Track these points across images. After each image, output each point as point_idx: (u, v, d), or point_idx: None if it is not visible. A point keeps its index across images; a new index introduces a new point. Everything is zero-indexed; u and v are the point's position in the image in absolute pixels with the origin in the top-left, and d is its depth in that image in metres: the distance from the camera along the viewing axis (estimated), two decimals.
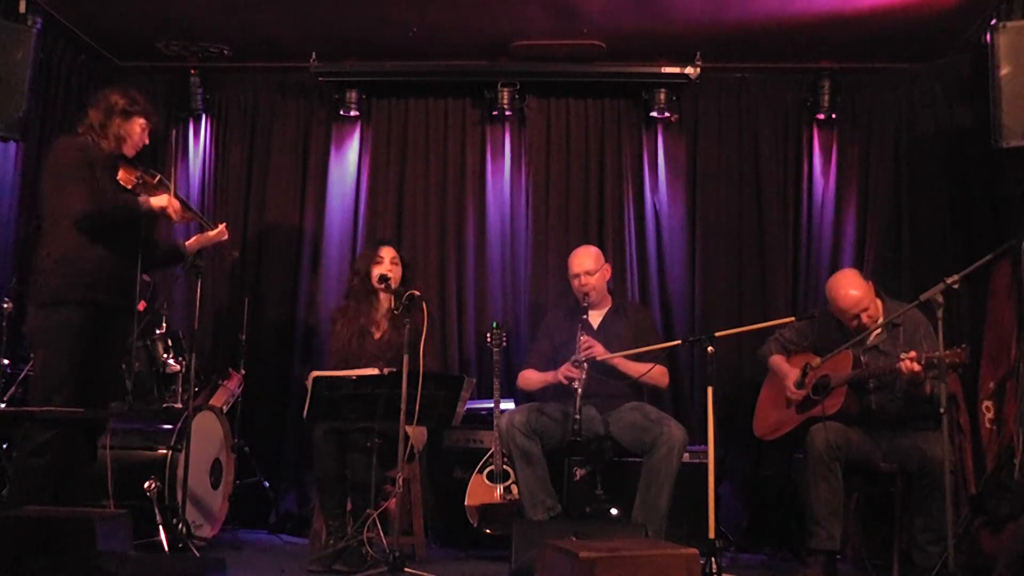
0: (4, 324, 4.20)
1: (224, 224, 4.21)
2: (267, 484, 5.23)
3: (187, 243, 4.13)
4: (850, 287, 4.14)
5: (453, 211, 5.54)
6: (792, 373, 4.27)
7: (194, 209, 4.15)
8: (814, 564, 3.97)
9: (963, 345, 3.65)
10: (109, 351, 3.78)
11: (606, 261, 4.75)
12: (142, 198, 3.79)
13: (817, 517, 3.95)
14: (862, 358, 4.12)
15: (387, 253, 4.57)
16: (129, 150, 3.88)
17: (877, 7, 4.63)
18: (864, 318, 4.11)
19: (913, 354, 3.78)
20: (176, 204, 3.85)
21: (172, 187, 3.89)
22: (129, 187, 3.79)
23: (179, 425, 4.28)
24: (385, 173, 5.59)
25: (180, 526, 4.00)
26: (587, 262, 4.62)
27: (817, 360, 4.06)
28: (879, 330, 4.15)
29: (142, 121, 3.89)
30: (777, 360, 4.43)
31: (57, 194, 3.70)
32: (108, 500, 3.87)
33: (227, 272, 5.51)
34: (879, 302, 4.19)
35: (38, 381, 3.67)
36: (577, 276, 4.60)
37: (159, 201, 3.82)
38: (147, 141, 3.96)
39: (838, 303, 4.16)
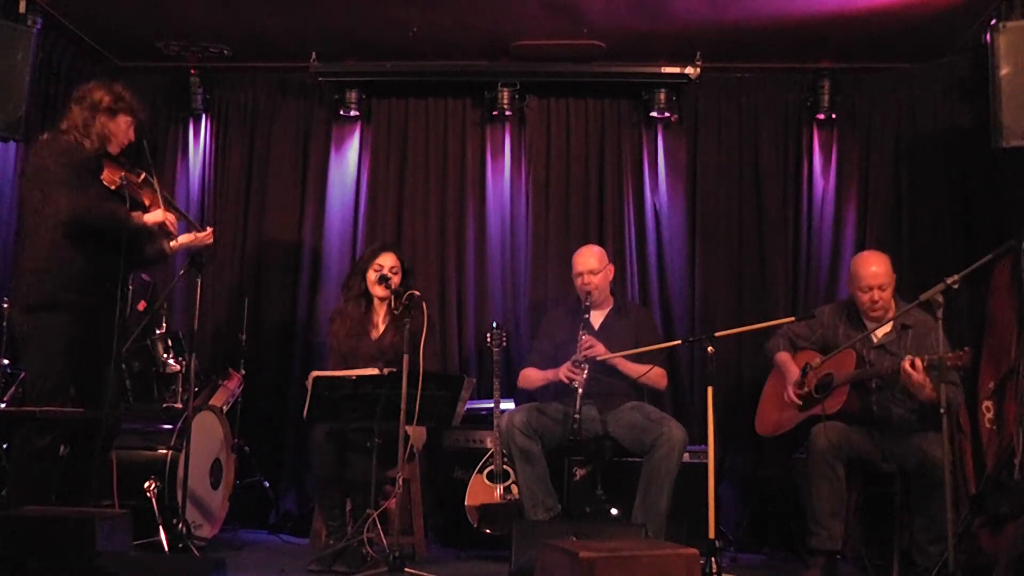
0: (4, 324, 4.19)
1: (211, 229, 4.08)
2: (267, 484, 5.23)
3: (171, 244, 3.94)
4: (876, 263, 4.20)
5: (453, 211, 5.54)
6: (795, 373, 4.27)
7: (179, 209, 4.06)
8: (814, 564, 3.98)
9: (966, 348, 3.64)
10: (99, 353, 3.68)
11: (610, 261, 4.75)
12: (136, 214, 3.69)
13: (818, 517, 3.96)
14: (868, 356, 4.13)
15: (386, 260, 4.55)
16: (114, 148, 3.79)
17: (877, 7, 4.63)
18: (876, 295, 4.14)
19: (916, 359, 3.79)
20: (172, 216, 3.77)
21: (155, 184, 3.79)
22: (113, 188, 3.70)
23: (179, 425, 4.28)
24: (385, 173, 5.59)
25: (180, 526, 3.99)
26: (591, 261, 4.62)
27: (817, 360, 4.06)
28: (887, 327, 4.16)
29: (128, 118, 3.80)
30: (783, 357, 4.42)
31: (43, 199, 3.60)
32: (109, 500, 3.86)
33: (225, 273, 5.52)
34: (892, 301, 4.21)
35: (33, 387, 3.63)
36: (580, 275, 4.60)
37: (154, 218, 3.74)
38: (132, 138, 3.86)
39: (858, 269, 4.21)
